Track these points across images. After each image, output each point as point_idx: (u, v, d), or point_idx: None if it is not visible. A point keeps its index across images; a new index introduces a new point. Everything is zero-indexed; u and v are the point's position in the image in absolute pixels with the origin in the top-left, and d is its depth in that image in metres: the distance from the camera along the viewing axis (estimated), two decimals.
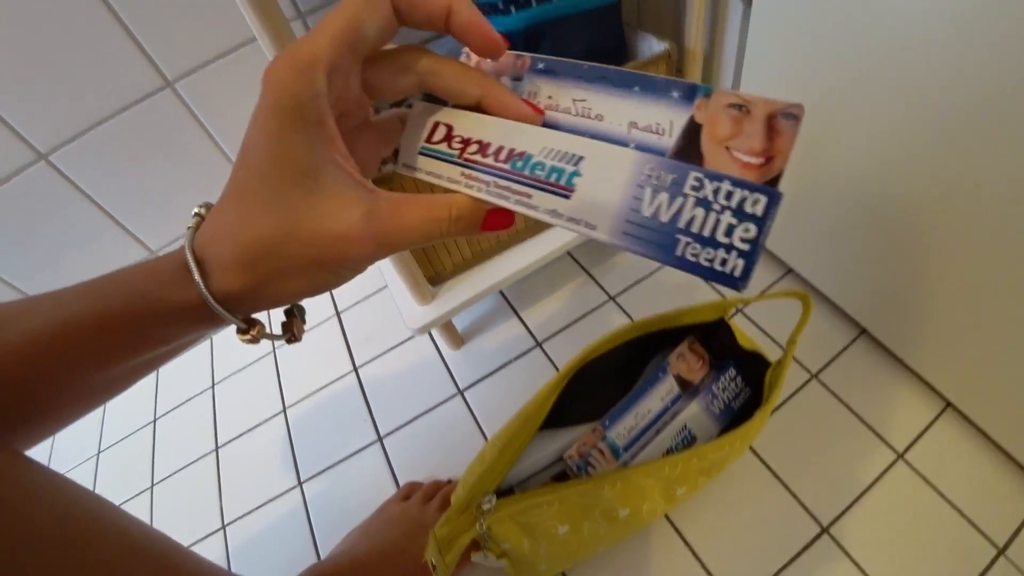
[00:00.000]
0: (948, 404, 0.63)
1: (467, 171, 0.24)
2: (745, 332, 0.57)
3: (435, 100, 0.27)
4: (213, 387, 0.91)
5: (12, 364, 0.23)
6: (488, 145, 0.25)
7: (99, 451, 0.90)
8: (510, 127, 0.24)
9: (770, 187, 0.19)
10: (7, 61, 0.64)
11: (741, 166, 0.21)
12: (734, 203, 0.20)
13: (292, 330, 0.28)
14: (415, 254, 0.65)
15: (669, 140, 0.23)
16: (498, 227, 0.25)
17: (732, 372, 0.57)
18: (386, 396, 0.79)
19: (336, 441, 0.76)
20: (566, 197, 0.22)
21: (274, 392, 0.86)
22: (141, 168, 0.78)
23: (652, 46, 0.67)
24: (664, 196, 0.21)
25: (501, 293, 0.86)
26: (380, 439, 0.75)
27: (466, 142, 0.25)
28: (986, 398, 0.57)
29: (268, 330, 0.26)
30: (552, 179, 0.23)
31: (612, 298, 0.81)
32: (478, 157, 0.24)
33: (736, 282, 0.19)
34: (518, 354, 0.78)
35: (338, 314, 0.93)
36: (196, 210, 0.25)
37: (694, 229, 0.20)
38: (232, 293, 0.23)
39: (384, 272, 0.73)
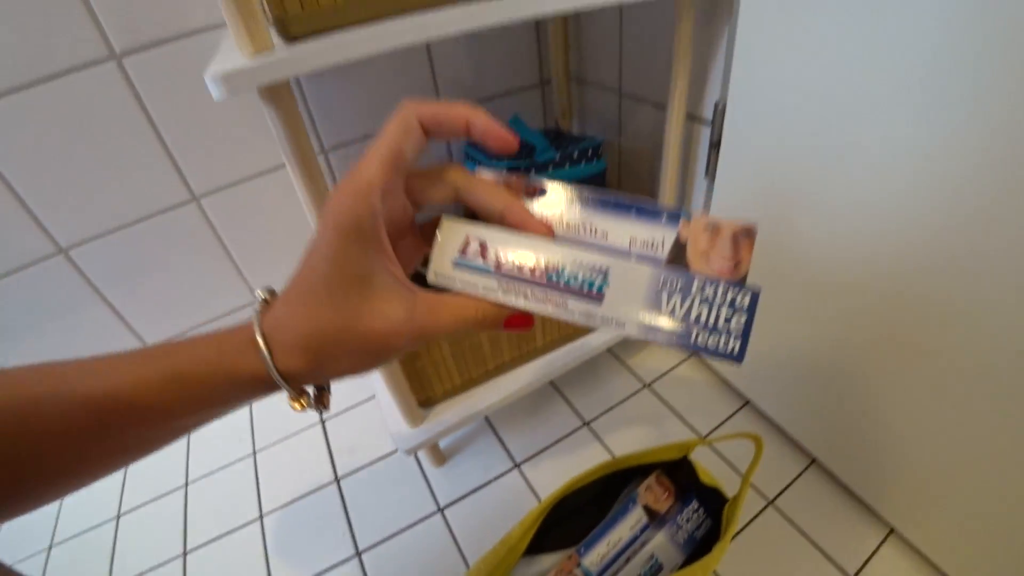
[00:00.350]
0: (892, 530, 0.70)
1: (504, 282, 0.28)
2: (705, 468, 0.64)
3: (463, 214, 0.31)
4: (186, 486, 0.91)
5: (84, 414, 0.25)
6: (524, 260, 0.29)
7: (51, 544, 0.87)
8: (539, 244, 0.29)
9: (751, 285, 0.27)
10: (45, 155, 0.70)
11: (718, 269, 0.28)
12: (728, 299, 0.26)
13: (323, 401, 0.32)
14: (408, 378, 0.71)
15: (662, 253, 0.29)
16: (519, 327, 0.29)
17: (695, 504, 0.63)
18: (366, 509, 0.81)
19: (313, 553, 0.77)
20: (599, 302, 0.27)
21: (251, 497, 0.86)
22: (155, 272, 0.83)
23: None
24: (678, 297, 0.27)
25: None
26: (359, 554, 0.76)
27: (501, 257, 0.29)
28: (926, 525, 0.64)
29: (311, 400, 0.31)
30: (585, 288, 0.28)
31: (586, 423, 0.87)
32: (515, 271, 0.28)
33: (735, 358, 0.26)
34: (497, 474, 0.82)
35: (323, 422, 0.96)
36: (261, 295, 0.29)
37: (702, 321, 0.27)
38: (292, 370, 0.26)
39: (375, 387, 0.78)
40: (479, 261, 0.29)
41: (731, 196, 0.72)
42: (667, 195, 0.78)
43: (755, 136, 0.65)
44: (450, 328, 0.28)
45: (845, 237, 0.58)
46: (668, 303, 0.27)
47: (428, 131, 0.28)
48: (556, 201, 0.31)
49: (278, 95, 0.45)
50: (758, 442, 0.59)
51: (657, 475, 0.64)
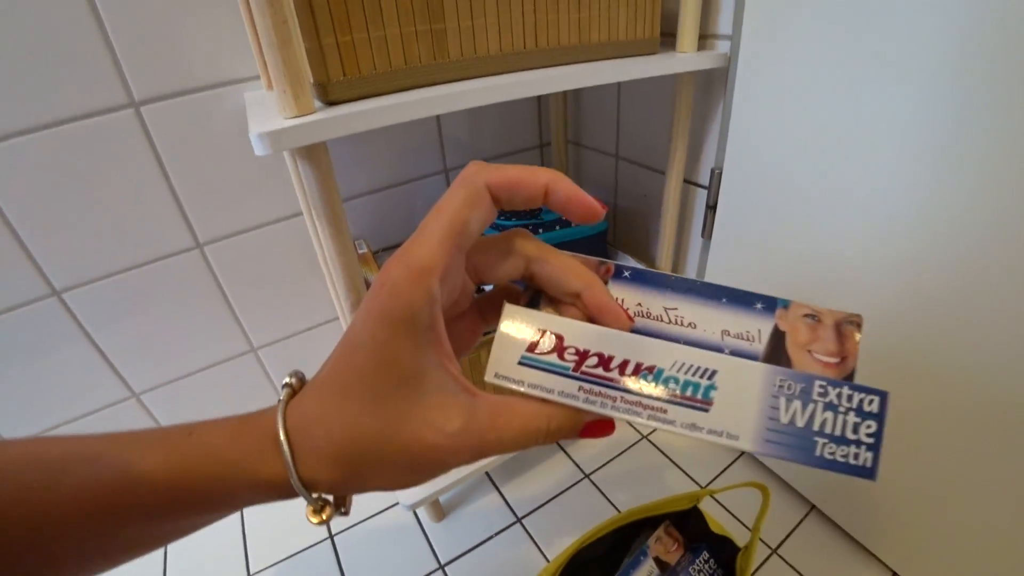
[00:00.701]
0: (894, 574, 0.71)
1: (587, 385, 0.24)
2: (715, 518, 0.65)
3: (527, 301, 0.27)
4: (166, 547, 0.87)
5: (70, 515, 0.21)
6: (611, 359, 0.24)
7: None
8: (627, 339, 0.25)
9: (879, 389, 0.23)
10: (48, 196, 0.69)
11: (823, 366, 0.25)
12: (855, 404, 0.23)
13: (344, 503, 0.27)
14: None
15: (759, 346, 0.26)
16: (599, 435, 0.25)
17: (705, 555, 0.63)
18: (363, 567, 0.79)
19: None
20: (705, 411, 0.23)
21: (238, 558, 0.83)
22: (149, 319, 0.82)
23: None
24: (797, 404, 0.23)
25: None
26: None
27: (583, 355, 0.25)
28: (925, 567, 0.66)
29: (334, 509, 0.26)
30: (688, 393, 0.24)
31: (587, 476, 0.88)
32: (600, 371, 0.24)
33: (869, 473, 0.22)
34: (499, 529, 0.81)
35: None
36: (288, 380, 0.25)
37: (827, 430, 0.23)
38: (318, 481, 0.22)
39: None
40: (554, 359, 0.25)
41: (727, 256, 0.76)
42: (664, 255, 0.82)
43: (750, 199, 0.70)
44: (516, 441, 0.23)
45: (839, 293, 0.62)
46: (787, 410, 0.23)
47: (499, 200, 0.24)
48: (634, 287, 0.27)
49: (315, 153, 0.47)
50: (765, 491, 0.60)
51: (666, 526, 0.65)
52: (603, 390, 0.24)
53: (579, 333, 0.25)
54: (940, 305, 0.53)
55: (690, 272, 0.86)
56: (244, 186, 0.80)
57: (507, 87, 0.53)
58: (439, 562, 0.78)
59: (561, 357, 0.25)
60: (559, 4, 0.57)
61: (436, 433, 0.22)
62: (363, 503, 0.87)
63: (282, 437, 0.22)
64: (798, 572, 0.72)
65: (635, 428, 0.96)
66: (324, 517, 0.25)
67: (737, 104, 0.67)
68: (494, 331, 0.26)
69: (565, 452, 0.92)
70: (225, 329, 0.88)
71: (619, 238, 1.01)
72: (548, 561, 0.58)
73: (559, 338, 0.25)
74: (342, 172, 0.87)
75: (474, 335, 0.29)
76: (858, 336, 0.25)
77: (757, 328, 0.26)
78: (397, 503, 0.86)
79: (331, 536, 0.83)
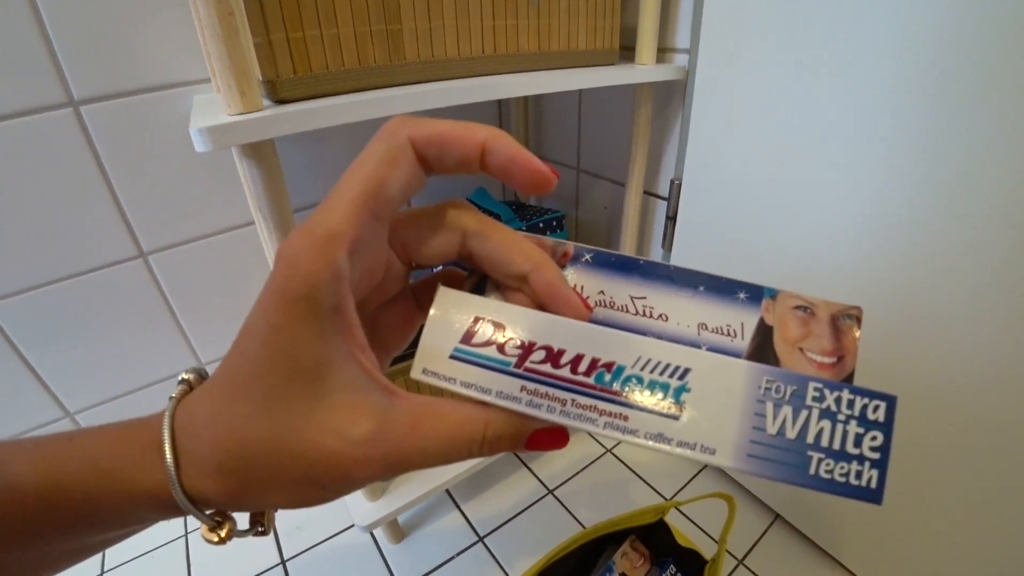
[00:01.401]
0: None
1: (531, 384, 0.20)
2: (681, 531, 0.63)
3: (469, 286, 0.23)
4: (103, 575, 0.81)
5: None
6: (561, 353, 0.20)
7: None
8: (583, 331, 0.21)
9: (886, 393, 0.19)
10: None
11: (817, 366, 0.21)
12: (857, 411, 0.19)
13: (263, 521, 0.23)
14: None
15: (742, 342, 0.22)
16: (550, 446, 0.21)
17: (672, 569, 0.62)
18: None
19: None
20: (675, 419, 0.19)
21: None
22: (86, 333, 0.77)
23: None
24: (788, 410, 0.19)
25: None
26: None
27: (526, 347, 0.20)
28: (888, 572, 0.66)
29: (238, 527, 0.22)
30: (656, 397, 0.20)
31: (551, 491, 0.86)
32: (547, 368, 0.20)
33: (874, 495, 0.18)
34: (460, 549, 0.78)
35: None
36: (184, 376, 0.21)
37: (824, 443, 0.19)
38: (205, 494, 0.19)
39: None
40: (492, 352, 0.21)
41: (687, 265, 0.76)
42: (628, 244, 0.82)
43: (709, 209, 0.70)
44: (444, 453, 0.19)
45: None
46: (776, 418, 0.19)
47: (427, 160, 0.20)
48: (596, 272, 0.24)
49: (262, 152, 0.45)
50: (731, 502, 0.60)
51: (632, 540, 0.64)
52: (550, 391, 0.20)
53: (524, 322, 0.21)
54: (899, 303, 0.54)
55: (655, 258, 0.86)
56: (193, 193, 0.76)
57: (465, 90, 0.52)
58: None
59: (501, 350, 0.21)
60: (519, 10, 0.56)
61: (338, 439, 0.18)
62: (317, 524, 0.83)
63: (166, 442, 0.19)
64: None
65: (597, 440, 0.94)
66: (222, 536, 0.20)
67: (695, 116, 0.68)
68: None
69: (528, 467, 0.90)
70: (170, 344, 0.84)
71: (580, 226, 1.01)
72: None
73: (499, 328, 0.21)
74: (296, 180, 0.84)
75: (408, 327, 0.25)
76: (858, 332, 0.22)
77: (740, 322, 0.23)
78: (353, 525, 0.83)
79: (283, 562, 0.79)
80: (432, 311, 0.22)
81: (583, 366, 0.20)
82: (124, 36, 0.66)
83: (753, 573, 0.73)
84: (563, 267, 0.24)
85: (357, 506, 0.69)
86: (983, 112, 0.44)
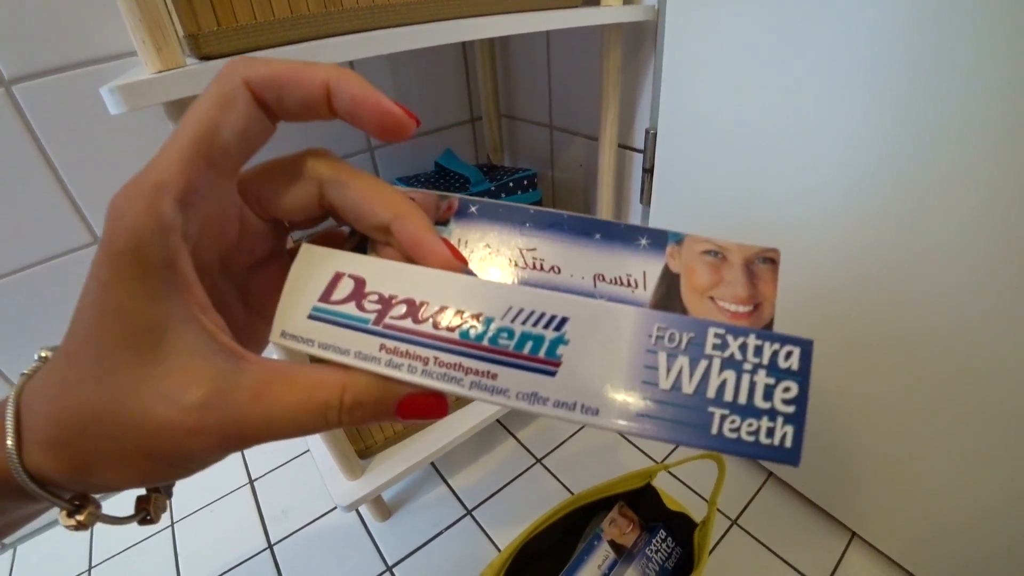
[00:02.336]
0: (853, 535, 0.70)
1: (391, 343, 0.18)
2: (670, 495, 0.62)
3: (329, 242, 0.22)
4: (90, 571, 0.79)
5: None
6: (422, 305, 0.18)
7: None
8: (451, 282, 0.18)
9: (800, 338, 0.16)
10: None
11: (730, 315, 0.20)
12: (765, 359, 0.16)
13: (148, 507, 0.21)
14: (343, 429, 0.65)
15: (644, 293, 0.20)
16: (426, 414, 0.18)
17: (662, 534, 0.60)
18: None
19: None
20: (550, 374, 0.17)
21: (169, 570, 0.76)
22: (48, 323, 0.74)
23: None
24: (684, 361, 0.17)
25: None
26: None
27: (386, 301, 0.18)
28: (886, 526, 0.65)
29: (105, 511, 0.20)
30: (527, 351, 0.17)
31: (539, 460, 0.84)
32: (408, 323, 0.18)
33: (790, 455, 0.16)
34: (449, 524, 0.77)
35: (251, 482, 0.87)
36: (41, 353, 0.20)
37: (727, 397, 0.16)
38: (45, 471, 0.17)
39: (307, 438, 0.71)
40: (351, 309, 0.19)
41: (667, 220, 0.73)
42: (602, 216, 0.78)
43: (687, 159, 0.67)
44: (295, 421, 0.17)
45: (784, 248, 0.59)
46: (669, 370, 0.17)
47: (266, 103, 0.18)
48: (482, 225, 0.22)
49: (184, 110, 0.41)
50: (720, 462, 0.58)
51: (620, 507, 0.62)
52: (411, 348, 0.18)
53: (386, 275, 0.19)
54: (883, 246, 0.51)
55: None
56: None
57: (411, 36, 0.48)
58: (386, 564, 0.73)
59: (360, 307, 0.19)
60: None
61: (169, 406, 0.16)
62: (302, 507, 0.82)
63: (8, 419, 0.17)
64: (759, 541, 0.70)
65: None
66: (80, 520, 0.18)
67: (668, 60, 0.64)
68: None
69: (514, 437, 0.88)
70: None
71: (557, 203, 0.98)
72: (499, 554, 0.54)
73: (359, 283, 0.19)
74: None
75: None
76: (775, 276, 0.20)
77: (642, 270, 0.20)
78: (336, 507, 0.81)
79: (270, 546, 0.77)
80: (292, 269, 0.20)
81: (446, 319, 0.18)
82: (53, 8, 0.61)
83: (747, 532, 0.72)
84: (446, 221, 0.22)
85: (337, 485, 0.67)
86: (968, 50, 0.41)
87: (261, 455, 0.91)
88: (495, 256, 0.21)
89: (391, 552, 0.74)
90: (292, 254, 0.21)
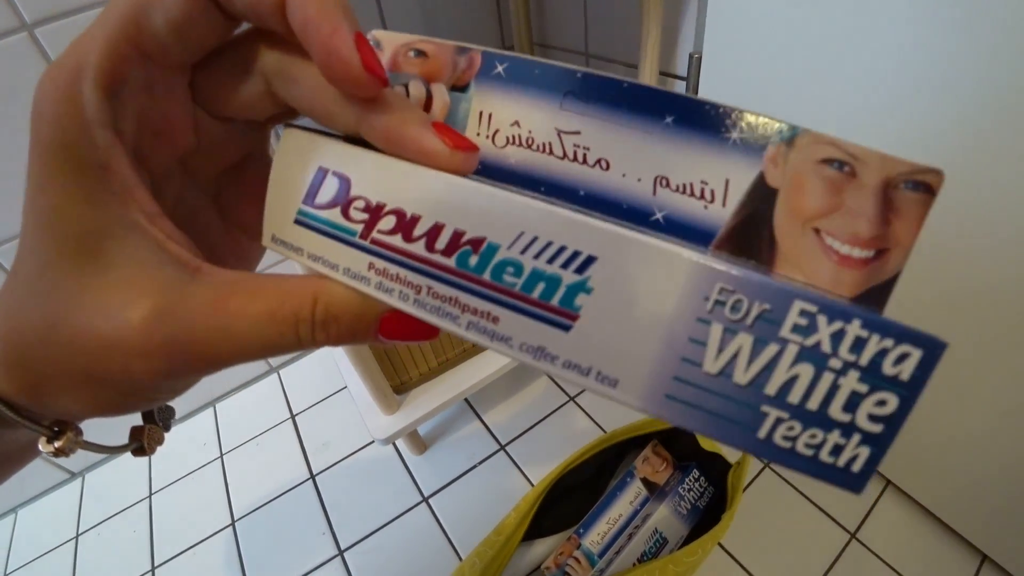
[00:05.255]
0: (888, 482, 0.69)
1: (379, 262, 0.15)
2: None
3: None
4: (150, 497, 0.85)
5: None
6: (415, 220, 0.14)
7: (5, 572, 0.80)
8: (450, 189, 0.14)
9: (929, 335, 0.11)
10: None
11: (838, 261, 0.14)
12: (866, 357, 0.11)
13: (142, 438, 0.20)
14: (379, 362, 0.66)
15: (721, 211, 0.15)
16: (411, 336, 0.15)
17: (696, 473, 0.60)
18: (346, 506, 0.77)
19: (292, 556, 0.73)
20: (563, 328, 0.13)
21: (221, 503, 0.81)
22: None
23: None
24: (745, 341, 0.12)
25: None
26: (341, 553, 0.72)
27: (374, 211, 0.15)
28: (922, 475, 0.64)
29: (85, 438, 0.18)
30: (536, 294, 0.13)
31: (572, 398, 0.84)
32: (398, 240, 0.14)
33: (853, 481, 0.12)
34: (482, 458, 0.78)
35: (292, 417, 0.90)
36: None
37: (792, 399, 0.12)
38: (10, 398, 0.16)
39: (344, 375, 0.73)
40: (336, 217, 0.15)
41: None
42: None
43: (734, 86, 0.62)
44: (260, 336, 0.14)
45: None
46: (722, 349, 0.12)
47: None
48: (512, 92, 0.16)
49: None
50: None
51: (654, 445, 0.62)
52: (401, 272, 0.14)
53: (374, 175, 0.15)
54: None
55: None
56: None
57: None
58: (422, 495, 0.75)
59: (345, 214, 0.15)
60: None
61: (110, 322, 0.14)
62: (342, 440, 0.85)
63: None
64: (791, 484, 0.70)
65: None
66: (59, 446, 0.17)
67: None
68: None
69: (548, 375, 0.89)
70: None
71: None
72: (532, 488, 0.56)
73: (344, 183, 0.15)
74: None
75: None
76: (924, 214, 0.14)
77: (724, 178, 0.14)
78: (374, 441, 0.84)
79: (312, 476, 0.81)
80: (275, 159, 0.16)
81: (442, 241, 0.14)
82: None
83: (779, 476, 0.71)
84: (466, 85, 0.17)
85: (374, 420, 0.68)
86: None
87: (300, 392, 0.94)
88: (525, 139, 0.16)
89: (427, 484, 0.77)
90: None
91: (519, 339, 0.13)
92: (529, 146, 0.16)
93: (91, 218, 0.14)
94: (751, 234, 0.14)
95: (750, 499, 0.69)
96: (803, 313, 0.12)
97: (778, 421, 0.12)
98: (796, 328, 0.12)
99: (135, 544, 0.78)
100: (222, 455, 0.88)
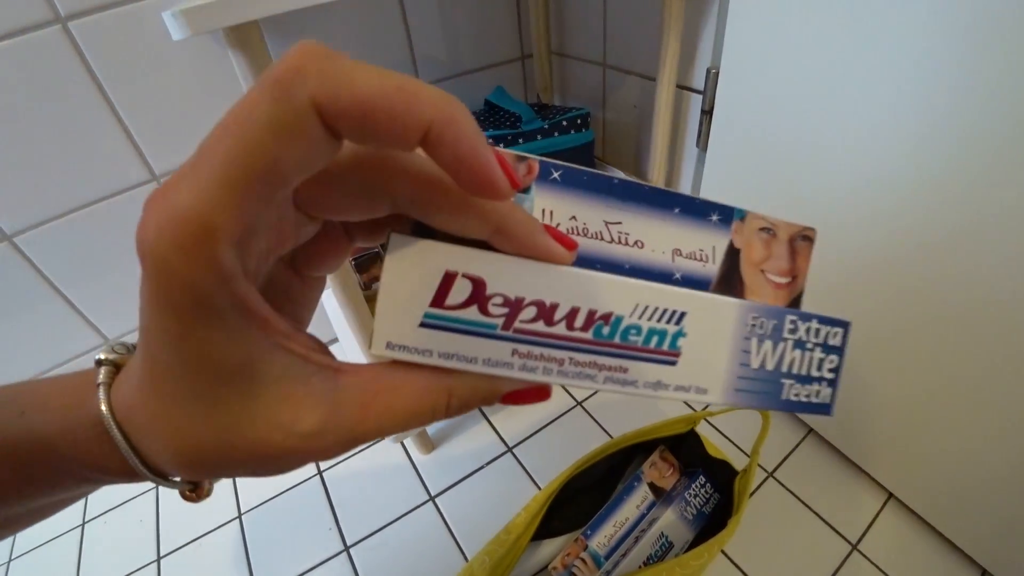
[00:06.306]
0: (890, 495, 0.69)
1: (523, 347, 0.18)
2: (712, 441, 0.62)
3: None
4: (157, 487, 0.86)
5: None
6: (554, 308, 0.18)
7: (10, 559, 0.80)
8: (575, 279, 0.18)
9: (843, 320, 0.21)
10: None
11: (774, 287, 0.23)
12: (821, 339, 0.21)
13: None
14: None
15: (712, 267, 0.22)
16: (530, 401, 0.19)
17: (702, 479, 0.61)
18: (353, 502, 0.77)
19: (298, 551, 0.73)
20: (672, 364, 0.19)
21: (228, 496, 0.82)
22: (114, 260, 0.77)
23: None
24: (769, 345, 0.20)
25: None
26: (347, 549, 0.72)
27: (513, 304, 0.17)
28: (924, 489, 0.64)
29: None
30: (653, 345, 0.19)
31: (579, 403, 0.85)
32: (540, 326, 0.18)
33: (827, 408, 0.21)
34: (490, 459, 0.79)
35: None
36: (103, 356, 0.19)
37: (795, 371, 0.20)
38: (170, 472, 0.18)
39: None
40: (475, 315, 0.17)
41: (725, 167, 0.70)
42: (657, 167, 0.76)
43: (750, 101, 0.63)
44: (401, 427, 0.17)
45: (841, 204, 0.56)
46: (758, 353, 0.20)
47: (337, 132, 0.14)
48: (567, 194, 0.21)
49: (247, 38, 0.41)
50: (765, 413, 0.57)
51: (661, 451, 0.62)
52: (545, 351, 0.18)
53: (508, 274, 0.17)
54: (939, 211, 0.48)
55: (685, 187, 0.81)
56: (197, 105, 0.73)
57: None
58: (429, 494, 0.76)
59: (484, 311, 0.17)
60: None
61: (287, 436, 0.16)
62: None
63: (113, 428, 0.17)
64: (795, 495, 0.71)
65: None
66: (199, 495, 0.20)
67: None
68: (371, 256, 0.19)
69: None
70: None
71: (608, 152, 0.95)
72: (540, 490, 0.56)
73: (478, 284, 0.17)
74: None
75: (337, 257, 0.20)
76: (810, 252, 0.23)
77: (711, 245, 0.22)
78: (382, 439, 0.84)
79: (320, 473, 0.82)
80: (386, 270, 0.17)
81: (580, 320, 0.18)
82: None
83: (783, 485, 0.72)
84: (527, 188, 0.21)
85: None
86: None
87: None
88: (583, 229, 0.21)
89: (434, 483, 0.77)
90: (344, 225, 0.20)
91: (643, 380, 0.19)
92: (585, 234, 0.21)
93: (236, 353, 0.15)
94: (731, 278, 0.23)
95: (753, 508, 0.69)
96: (791, 321, 0.20)
97: (790, 386, 0.20)
98: (789, 331, 0.20)
99: (141, 534, 0.79)
100: None
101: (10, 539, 0.82)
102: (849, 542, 0.65)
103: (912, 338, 0.56)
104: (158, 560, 0.76)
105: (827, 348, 0.21)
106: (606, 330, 0.18)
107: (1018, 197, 0.43)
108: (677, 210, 0.22)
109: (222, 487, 0.82)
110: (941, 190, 0.48)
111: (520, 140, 0.69)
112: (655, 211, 0.22)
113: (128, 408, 0.17)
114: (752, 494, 0.71)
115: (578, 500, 0.60)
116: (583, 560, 0.55)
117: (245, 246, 0.14)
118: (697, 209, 0.22)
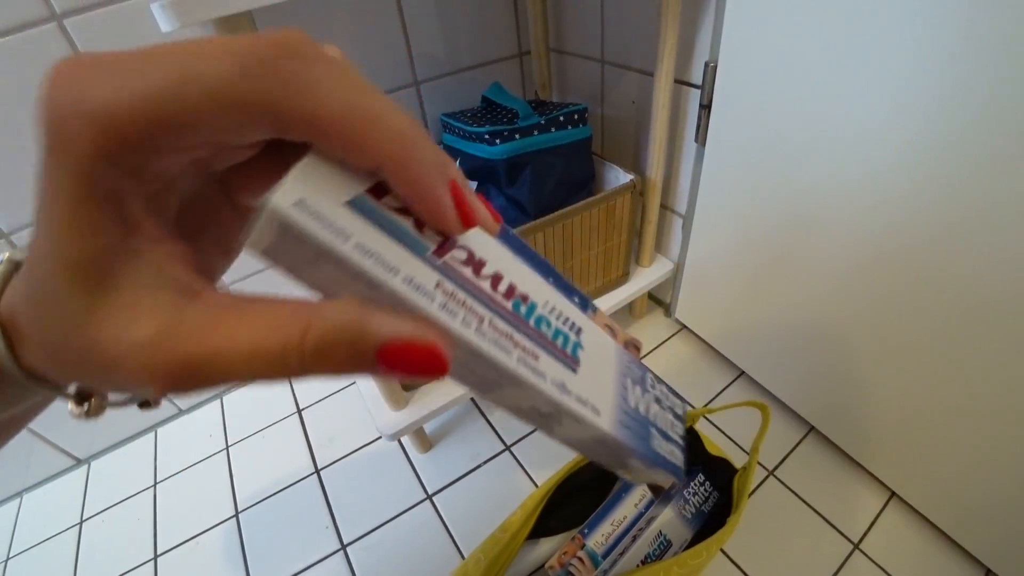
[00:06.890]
0: (893, 494, 0.68)
1: (449, 284, 0.16)
2: (711, 439, 0.61)
3: None
4: (155, 486, 0.85)
5: None
6: (482, 263, 0.17)
7: (8, 556, 0.80)
8: (501, 250, 0.18)
9: (684, 399, 0.24)
10: None
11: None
12: (670, 404, 0.24)
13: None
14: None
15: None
16: (417, 370, 0.14)
17: (701, 477, 0.60)
18: (350, 501, 0.77)
19: (295, 549, 0.73)
20: (573, 371, 0.19)
21: (225, 493, 0.82)
22: None
23: (619, 176, 0.76)
24: (639, 390, 0.22)
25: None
26: (343, 547, 0.72)
27: (448, 240, 0.16)
28: (926, 487, 0.63)
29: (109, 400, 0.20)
30: (559, 343, 0.19)
31: None
32: (468, 272, 0.16)
33: (680, 473, 0.22)
34: (487, 458, 0.79)
35: (299, 411, 0.91)
36: (9, 255, 0.18)
37: (659, 424, 0.22)
38: (44, 375, 0.17)
39: None
40: (408, 225, 0.15)
41: (723, 162, 0.69)
42: (655, 164, 0.75)
43: (748, 95, 0.63)
44: (243, 364, 0.14)
45: (839, 198, 0.56)
46: (633, 392, 0.21)
47: (286, 127, 0.14)
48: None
49: (238, 30, 0.40)
50: (764, 410, 0.57)
51: None
52: (468, 300, 0.16)
53: None
54: (933, 201, 0.47)
55: (683, 183, 0.80)
56: None
57: None
58: (426, 492, 0.76)
59: (419, 227, 0.16)
60: None
61: (118, 342, 0.15)
62: (347, 435, 0.85)
63: None
64: (796, 494, 0.70)
65: None
66: (88, 411, 0.19)
67: None
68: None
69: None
70: None
71: (607, 148, 0.95)
72: (537, 488, 0.56)
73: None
74: None
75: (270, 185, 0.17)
76: (638, 354, 0.25)
77: (575, 320, 0.22)
78: (379, 437, 0.84)
79: (317, 472, 0.81)
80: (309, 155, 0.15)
81: (503, 287, 0.17)
82: None
83: (783, 484, 0.71)
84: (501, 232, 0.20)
85: (381, 416, 0.69)
86: None
87: (307, 386, 0.95)
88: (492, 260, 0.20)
89: (431, 482, 0.77)
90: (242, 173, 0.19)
91: (551, 376, 0.18)
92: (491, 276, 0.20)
93: (95, 246, 0.15)
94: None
95: (753, 506, 0.69)
96: (651, 379, 0.24)
97: (655, 436, 0.22)
98: (651, 385, 0.23)
99: (139, 532, 0.79)
100: (228, 447, 0.88)
101: (8, 537, 0.82)
102: (851, 541, 0.65)
103: (914, 334, 0.55)
104: (155, 558, 0.75)
105: (675, 416, 0.23)
106: (523, 309, 0.18)
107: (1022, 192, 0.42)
108: (551, 280, 0.21)
109: (219, 485, 0.82)
110: (942, 183, 0.47)
111: (517, 136, 0.68)
112: (537, 269, 0.20)
113: (12, 306, 0.17)
114: (752, 492, 0.70)
115: (576, 498, 0.59)
116: (580, 559, 0.55)
117: (155, 141, 0.14)
118: (565, 287, 0.21)
